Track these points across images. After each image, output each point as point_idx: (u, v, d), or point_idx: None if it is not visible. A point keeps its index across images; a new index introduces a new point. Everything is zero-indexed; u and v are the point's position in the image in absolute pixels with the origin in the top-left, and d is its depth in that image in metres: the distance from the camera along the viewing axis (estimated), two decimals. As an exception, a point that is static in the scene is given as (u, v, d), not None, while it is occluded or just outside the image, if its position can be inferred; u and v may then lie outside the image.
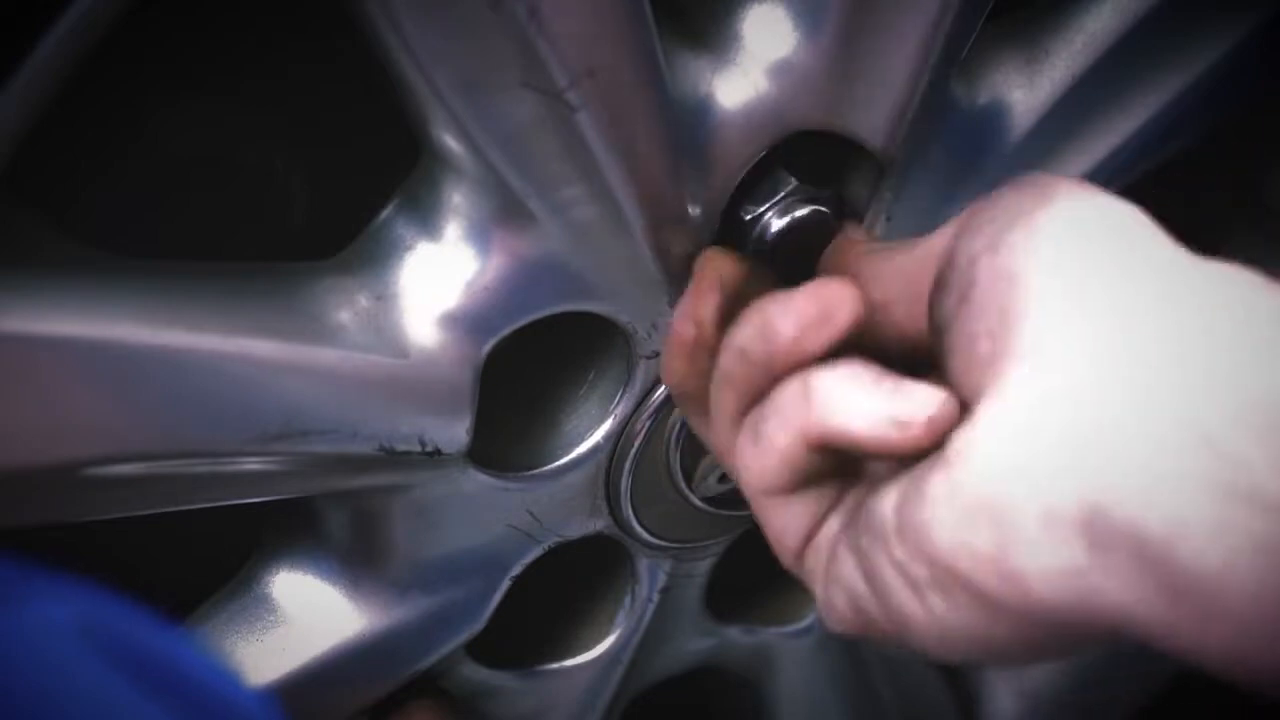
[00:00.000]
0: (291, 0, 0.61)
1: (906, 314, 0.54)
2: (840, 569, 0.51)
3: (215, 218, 0.69)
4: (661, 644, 0.82)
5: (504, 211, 0.59)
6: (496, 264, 0.60)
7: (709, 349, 0.58)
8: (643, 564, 0.75)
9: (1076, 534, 0.43)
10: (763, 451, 0.53)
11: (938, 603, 0.47)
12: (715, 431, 0.57)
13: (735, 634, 0.86)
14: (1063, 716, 1.00)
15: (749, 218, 0.62)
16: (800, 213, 0.62)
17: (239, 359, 0.56)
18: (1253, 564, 0.39)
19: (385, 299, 0.60)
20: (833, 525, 0.53)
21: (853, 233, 0.63)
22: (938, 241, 0.53)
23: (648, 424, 0.67)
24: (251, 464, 0.59)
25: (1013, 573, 0.44)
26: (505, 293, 0.60)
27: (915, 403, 0.49)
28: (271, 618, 0.67)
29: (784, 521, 0.54)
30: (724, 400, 0.55)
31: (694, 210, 0.62)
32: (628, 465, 0.68)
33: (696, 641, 0.85)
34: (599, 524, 0.71)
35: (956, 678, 1.02)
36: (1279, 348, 0.42)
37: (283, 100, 0.68)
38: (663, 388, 0.67)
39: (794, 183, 0.62)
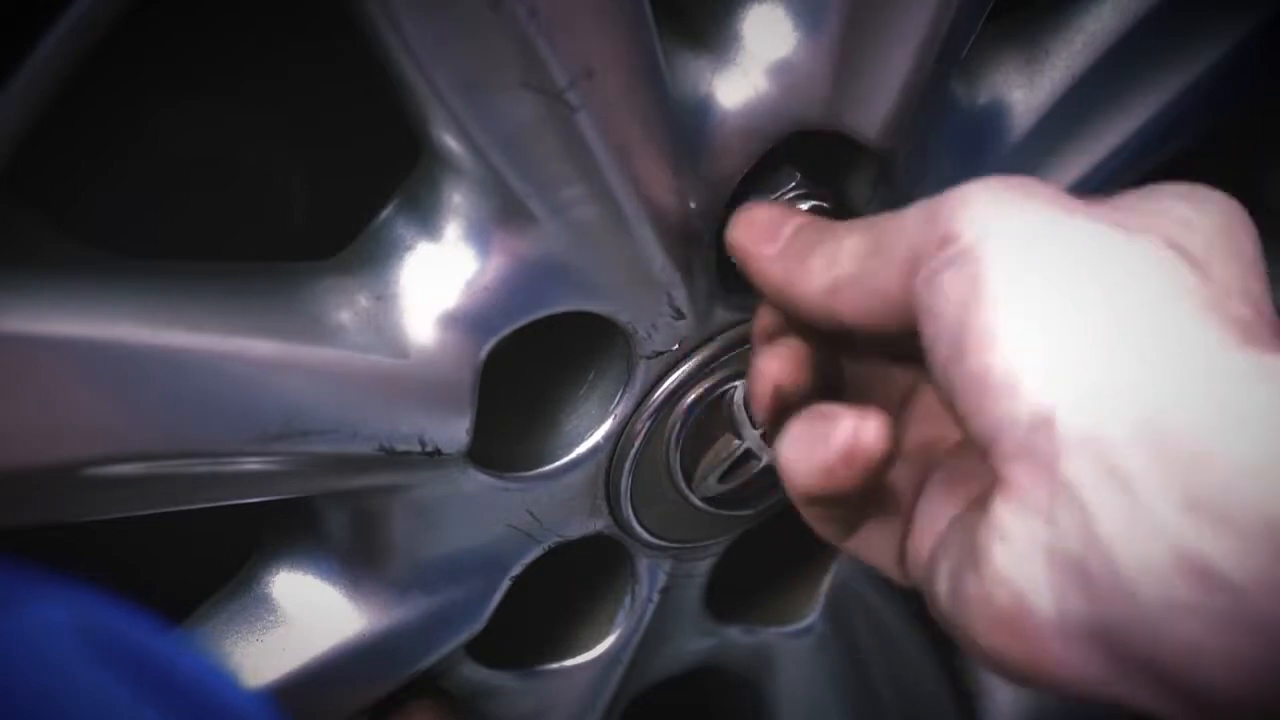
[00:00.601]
0: (291, 0, 0.61)
1: (898, 330, 0.54)
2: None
3: (215, 218, 0.69)
4: (661, 644, 0.82)
5: (504, 211, 0.58)
6: (496, 264, 0.60)
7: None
8: (643, 564, 0.75)
9: (1097, 653, 0.44)
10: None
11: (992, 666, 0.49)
12: None
13: (735, 634, 0.86)
14: (1065, 714, 1.00)
15: None
16: (802, 208, 0.62)
17: (239, 359, 0.56)
18: (1263, 685, 0.41)
19: (385, 299, 0.60)
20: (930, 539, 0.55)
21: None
22: (894, 281, 0.52)
23: (648, 424, 0.67)
24: (251, 464, 0.59)
25: (1047, 678, 0.46)
26: (505, 293, 0.60)
27: (831, 446, 0.52)
28: (271, 618, 0.67)
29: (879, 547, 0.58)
30: None
31: (694, 210, 0.62)
32: (628, 465, 0.68)
33: (696, 641, 0.85)
34: (599, 524, 0.71)
35: (956, 676, 1.02)
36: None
37: (283, 100, 0.68)
38: (663, 388, 0.67)
39: (798, 177, 0.62)
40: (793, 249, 0.58)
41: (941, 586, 0.50)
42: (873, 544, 0.57)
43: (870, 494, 0.54)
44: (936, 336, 0.49)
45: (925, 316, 0.49)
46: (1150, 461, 0.43)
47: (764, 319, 0.61)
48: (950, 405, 0.48)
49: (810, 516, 0.57)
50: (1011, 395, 0.45)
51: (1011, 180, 0.50)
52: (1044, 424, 0.44)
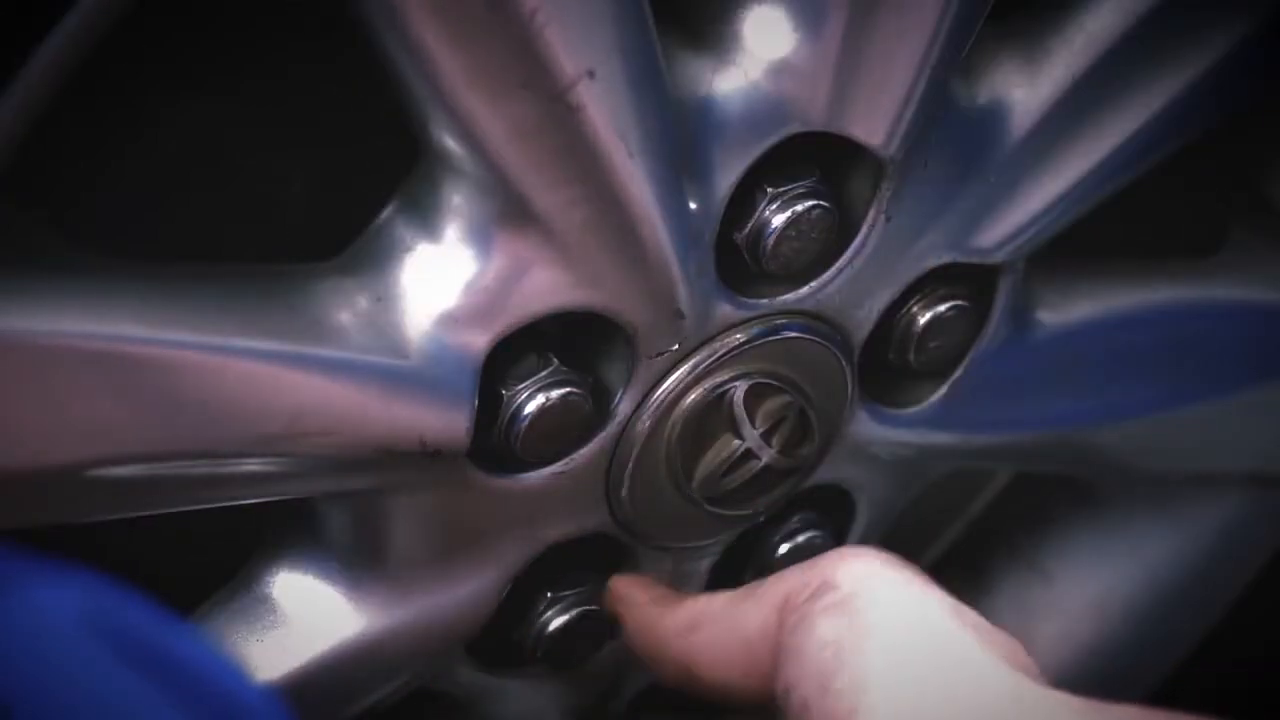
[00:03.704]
0: (291, 0, 0.61)
1: (745, 690, 0.57)
2: None
3: (215, 218, 0.69)
4: (661, 643, 0.82)
5: (504, 212, 0.59)
6: (496, 264, 0.60)
7: None
8: (643, 563, 0.75)
9: None
10: None
11: None
12: None
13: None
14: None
15: None
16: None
17: (239, 360, 0.56)
18: None
19: (385, 300, 0.60)
20: None
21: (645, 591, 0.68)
22: (760, 622, 0.57)
23: (648, 424, 0.67)
24: (252, 465, 0.59)
25: None
26: (505, 293, 0.60)
27: None
28: (271, 618, 0.67)
29: None
30: None
31: (694, 210, 0.62)
32: (628, 465, 0.68)
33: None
34: (599, 523, 0.71)
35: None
36: None
37: (283, 100, 0.68)
38: (663, 387, 0.67)
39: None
40: (666, 598, 0.65)
41: None
42: None
43: None
44: (801, 676, 0.52)
45: (789, 657, 0.53)
46: None
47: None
48: None
49: None
50: None
51: (883, 553, 0.56)
52: None
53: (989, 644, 0.52)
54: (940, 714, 0.49)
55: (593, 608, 0.72)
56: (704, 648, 0.59)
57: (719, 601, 0.60)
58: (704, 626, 0.60)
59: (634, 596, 0.67)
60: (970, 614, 0.53)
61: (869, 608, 0.52)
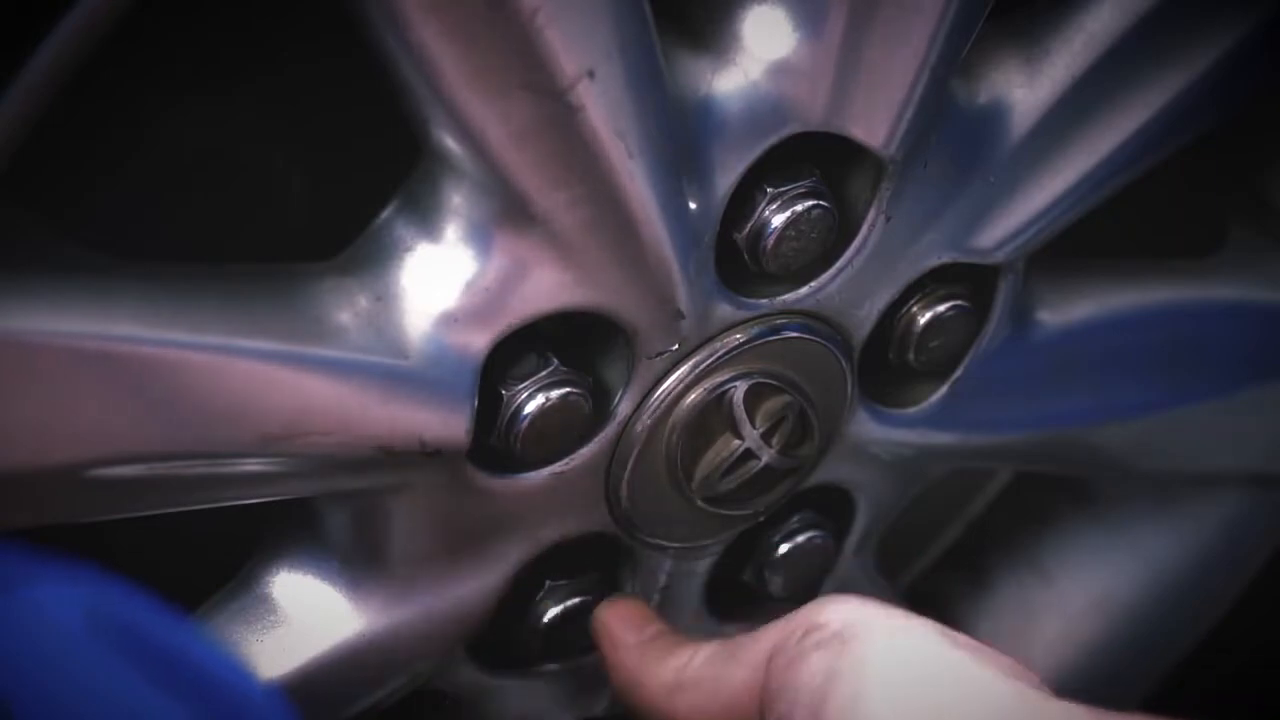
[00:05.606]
0: (292, 0, 0.61)
1: (694, 704, 0.59)
2: None
3: (215, 218, 0.69)
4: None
5: (504, 212, 0.59)
6: (496, 264, 0.60)
7: None
8: (642, 563, 0.75)
9: None
10: None
11: None
12: None
13: (736, 633, 0.86)
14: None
15: None
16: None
17: (240, 360, 0.56)
18: None
19: (385, 300, 0.60)
20: None
21: (636, 622, 0.68)
22: (745, 680, 0.57)
23: (648, 424, 0.67)
24: (252, 465, 0.59)
25: None
26: (505, 293, 0.60)
27: None
28: (271, 618, 0.67)
29: None
30: None
31: (694, 210, 0.62)
32: (628, 465, 0.68)
33: (696, 640, 0.84)
34: (599, 524, 0.71)
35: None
36: None
37: (283, 100, 0.68)
38: (663, 387, 0.67)
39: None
40: (654, 645, 0.64)
41: None
42: None
43: None
44: (793, 706, 0.52)
45: (779, 695, 0.54)
46: None
47: None
48: None
49: None
50: None
51: (864, 597, 0.57)
52: None
53: (986, 661, 0.52)
54: None
55: (589, 598, 0.72)
56: (688, 711, 0.60)
57: (703, 658, 0.61)
58: (687, 689, 0.60)
59: (622, 637, 0.67)
60: (963, 638, 0.54)
61: (859, 637, 0.53)
